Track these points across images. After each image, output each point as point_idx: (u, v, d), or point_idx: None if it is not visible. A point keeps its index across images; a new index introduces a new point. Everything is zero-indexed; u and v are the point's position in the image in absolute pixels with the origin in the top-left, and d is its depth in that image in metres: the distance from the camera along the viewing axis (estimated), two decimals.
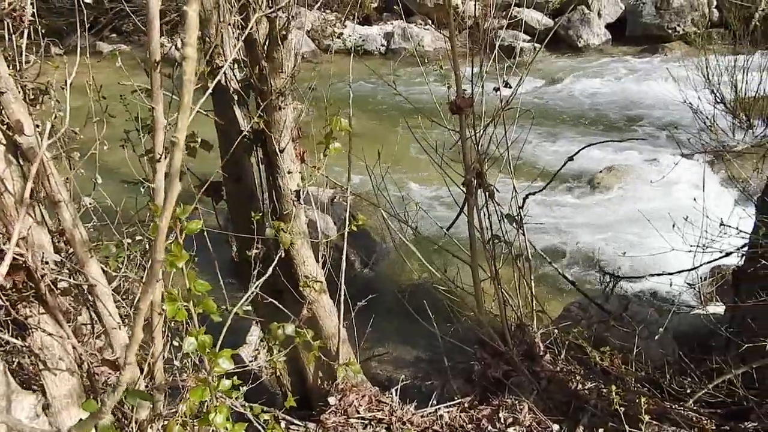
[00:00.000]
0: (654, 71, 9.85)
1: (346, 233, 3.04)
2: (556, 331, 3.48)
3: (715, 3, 11.14)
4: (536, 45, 10.33)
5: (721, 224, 2.91)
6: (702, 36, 9.23)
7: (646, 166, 6.75)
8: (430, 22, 12.04)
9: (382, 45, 12.04)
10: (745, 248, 3.24)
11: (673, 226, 3.01)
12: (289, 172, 2.66)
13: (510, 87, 2.98)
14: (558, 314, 4.06)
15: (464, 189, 3.03)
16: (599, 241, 5.33)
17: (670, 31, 11.23)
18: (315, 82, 2.65)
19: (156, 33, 1.64)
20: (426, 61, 3.31)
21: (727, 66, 7.40)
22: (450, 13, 2.71)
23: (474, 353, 3.40)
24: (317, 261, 3.08)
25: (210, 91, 1.99)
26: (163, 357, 2.18)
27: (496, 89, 3.00)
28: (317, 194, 5.57)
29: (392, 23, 12.47)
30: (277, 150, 2.54)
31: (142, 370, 2.16)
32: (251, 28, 2.17)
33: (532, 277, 3.35)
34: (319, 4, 12.50)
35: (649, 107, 8.64)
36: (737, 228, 2.95)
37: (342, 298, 3.16)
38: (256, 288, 2.15)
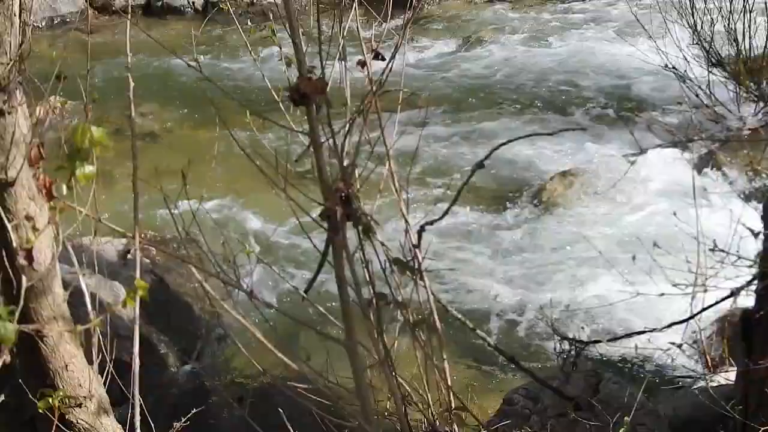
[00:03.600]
0: (617, 20, 10.44)
1: (136, 312, 2.96)
2: None
3: None
4: None
5: (714, 249, 3.08)
6: None
7: (617, 166, 7.05)
8: None
9: None
10: (755, 283, 3.44)
11: (633, 258, 3.16)
12: (27, 218, 2.57)
13: (383, 59, 3.03)
14: (494, 410, 4.13)
15: (325, 224, 3.03)
16: (550, 289, 5.51)
17: None
18: (59, 65, 2.60)
19: None
20: (248, 21, 3.30)
21: (722, 8, 7.96)
22: None
23: None
24: (91, 361, 3.01)
25: None
26: None
27: (362, 63, 3.04)
28: (96, 248, 5.42)
29: None
30: None
31: None
32: None
33: (445, 356, 3.39)
34: None
35: (614, 76, 9.14)
36: (737, 254, 3.13)
37: (138, 420, 3.06)
38: None
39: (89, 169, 2.05)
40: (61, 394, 2.76)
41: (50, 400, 2.69)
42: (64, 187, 2.33)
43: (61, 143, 2.95)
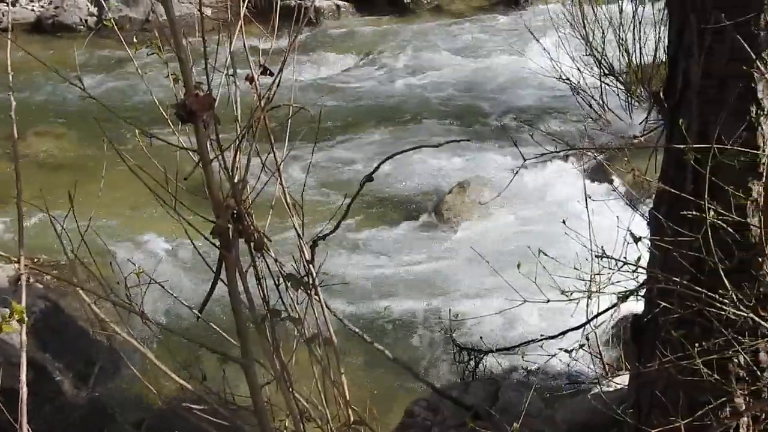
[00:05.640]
0: (514, 34, 10.59)
1: (22, 336, 2.88)
2: None
3: None
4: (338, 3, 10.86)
5: (602, 256, 3.14)
6: None
7: (510, 177, 7.17)
8: None
9: (91, 15, 11.83)
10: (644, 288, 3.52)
11: (518, 266, 3.22)
12: None
13: (272, 74, 3.03)
14: (395, 423, 4.14)
15: (217, 242, 3.00)
16: (447, 300, 5.55)
17: None
18: None
19: None
20: (134, 38, 3.27)
21: (612, 20, 8.15)
22: None
23: None
24: None
25: None
26: None
27: (250, 78, 3.03)
28: None
29: None
30: None
31: None
32: None
33: (342, 370, 3.39)
34: None
35: (509, 88, 9.30)
36: (624, 260, 3.19)
37: None
38: None
39: None
40: None
41: None
42: None
43: None
